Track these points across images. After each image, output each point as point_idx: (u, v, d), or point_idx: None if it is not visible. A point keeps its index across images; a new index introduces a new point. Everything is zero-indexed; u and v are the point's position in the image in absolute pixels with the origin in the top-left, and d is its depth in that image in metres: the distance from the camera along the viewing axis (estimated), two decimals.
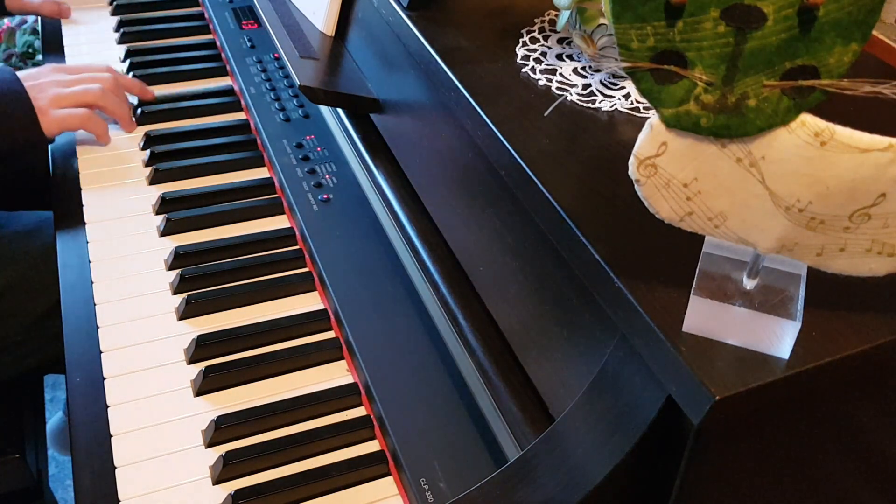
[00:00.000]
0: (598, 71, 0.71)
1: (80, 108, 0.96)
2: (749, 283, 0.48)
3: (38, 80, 0.96)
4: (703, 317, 0.47)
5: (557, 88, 0.68)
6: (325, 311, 0.81)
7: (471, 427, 0.67)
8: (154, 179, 0.96)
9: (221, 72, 1.16)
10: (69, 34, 1.22)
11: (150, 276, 0.84)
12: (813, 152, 0.42)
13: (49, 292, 0.94)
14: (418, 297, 0.78)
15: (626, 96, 0.68)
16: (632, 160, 0.45)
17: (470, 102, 0.65)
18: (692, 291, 0.47)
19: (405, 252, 0.80)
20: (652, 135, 0.44)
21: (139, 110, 1.06)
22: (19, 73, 0.96)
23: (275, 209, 0.93)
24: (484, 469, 0.64)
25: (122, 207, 0.93)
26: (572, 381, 0.57)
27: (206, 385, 0.73)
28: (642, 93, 0.44)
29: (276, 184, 0.96)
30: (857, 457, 0.58)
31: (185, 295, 0.81)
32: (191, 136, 1.03)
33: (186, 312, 0.80)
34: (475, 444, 0.66)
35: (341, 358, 0.77)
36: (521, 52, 0.72)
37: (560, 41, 0.74)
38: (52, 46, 1.20)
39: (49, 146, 1.01)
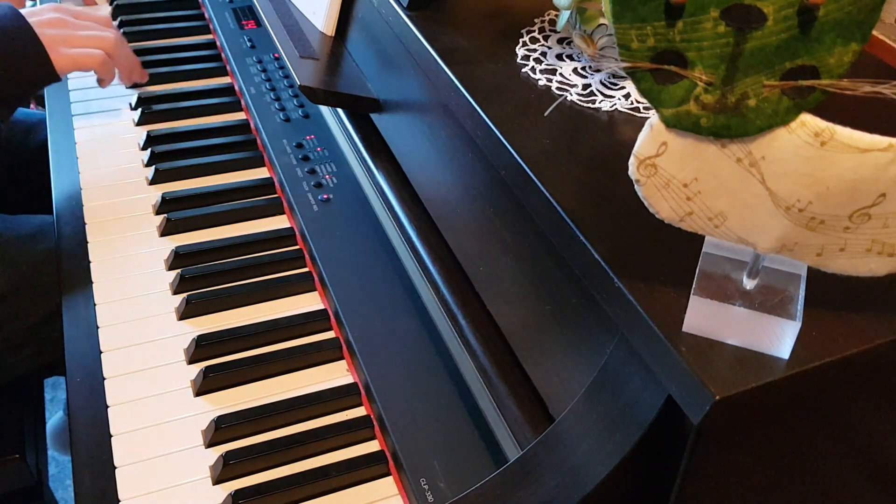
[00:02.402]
0: (598, 71, 0.71)
1: (94, 50, 0.96)
2: (749, 283, 0.48)
3: (42, 17, 0.94)
4: (703, 317, 0.47)
5: (557, 88, 0.68)
6: (325, 311, 0.81)
7: (471, 427, 0.67)
8: (154, 179, 0.96)
9: (221, 72, 1.16)
10: None
11: (150, 276, 0.84)
12: (813, 152, 0.42)
13: (50, 296, 0.94)
14: (418, 297, 0.78)
15: (626, 96, 0.68)
16: (632, 160, 0.45)
17: (470, 102, 0.65)
18: (692, 291, 0.47)
19: (405, 252, 0.80)
20: (652, 135, 0.44)
21: (139, 110, 1.06)
22: (24, 11, 0.94)
23: (275, 209, 0.93)
24: (484, 469, 0.64)
25: (122, 207, 0.93)
26: (572, 381, 0.57)
27: (206, 385, 0.73)
28: (642, 93, 0.44)
29: (276, 184, 0.96)
30: (857, 456, 0.58)
31: (185, 295, 0.81)
32: (191, 136, 1.03)
33: (186, 312, 0.80)
34: (475, 444, 0.66)
35: (341, 358, 0.77)
36: (521, 52, 0.72)
37: (560, 41, 0.74)
38: None
39: (49, 147, 1.01)
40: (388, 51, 0.84)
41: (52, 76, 0.92)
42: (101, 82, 1.00)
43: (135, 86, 1.08)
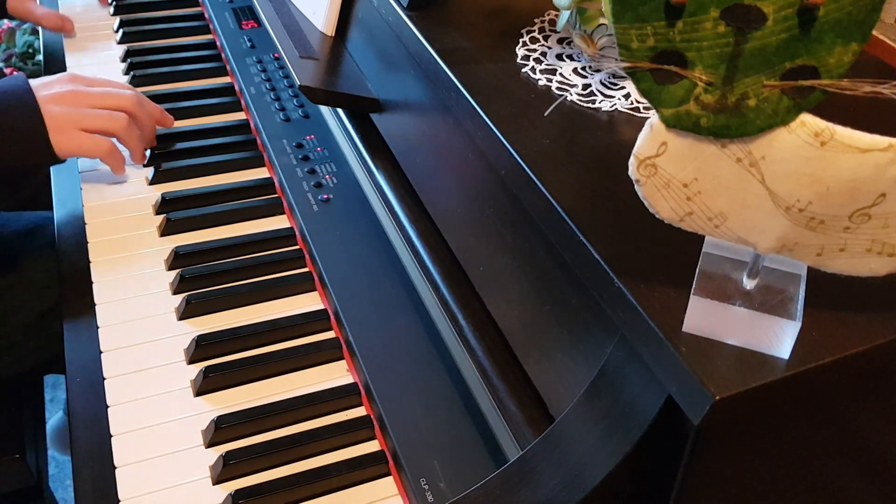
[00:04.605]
0: (598, 71, 0.71)
1: (101, 137, 0.89)
2: (749, 283, 0.48)
3: (52, 91, 0.88)
4: (703, 317, 0.47)
5: (557, 88, 0.68)
6: (325, 311, 0.81)
7: (471, 427, 0.67)
8: (154, 179, 0.96)
9: (221, 72, 1.16)
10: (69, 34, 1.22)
11: (150, 276, 0.84)
12: (813, 152, 0.42)
13: (49, 292, 0.94)
14: (418, 297, 0.78)
15: (626, 96, 0.68)
16: (632, 160, 0.45)
17: (470, 102, 0.65)
18: (692, 291, 0.47)
19: (405, 252, 0.80)
20: (652, 135, 0.44)
21: None
22: (33, 82, 0.88)
23: (275, 209, 0.93)
24: (484, 469, 0.64)
25: (122, 207, 0.93)
26: (572, 381, 0.57)
27: (206, 385, 0.73)
28: (642, 93, 0.44)
29: (276, 184, 0.96)
30: (857, 456, 0.58)
31: (185, 295, 0.81)
32: (191, 136, 1.03)
33: (186, 312, 0.80)
34: (475, 444, 0.66)
35: (341, 358, 0.77)
36: (521, 52, 0.72)
37: (560, 41, 0.74)
38: (52, 46, 1.20)
39: None
40: (388, 51, 0.84)
41: (52, 159, 0.87)
42: (113, 169, 0.93)
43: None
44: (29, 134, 0.85)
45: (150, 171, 0.97)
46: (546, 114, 0.64)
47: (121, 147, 0.94)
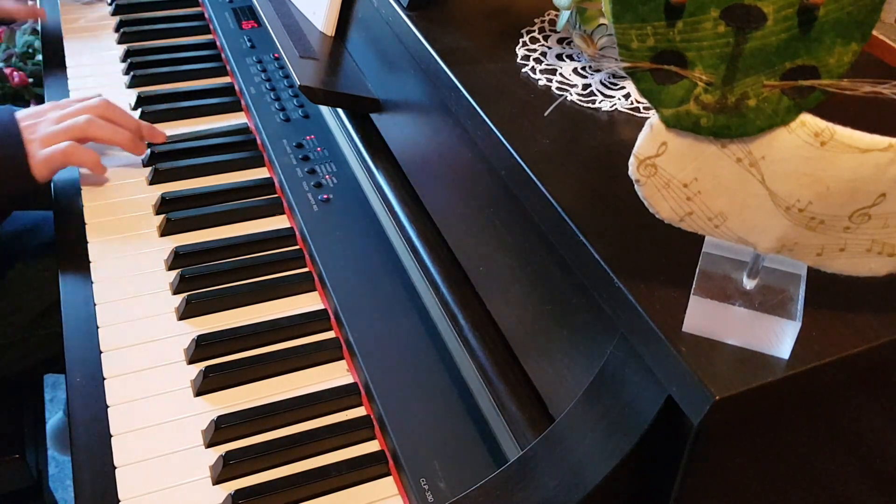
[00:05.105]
0: (598, 71, 0.71)
1: (62, 143, 0.89)
2: (749, 283, 0.48)
3: (35, 121, 0.90)
4: (703, 317, 0.47)
5: (557, 88, 0.68)
6: (325, 311, 0.81)
7: (471, 427, 0.67)
8: (154, 179, 0.96)
9: (221, 72, 1.16)
10: (69, 34, 1.22)
11: (150, 276, 0.84)
12: (813, 152, 0.42)
13: (48, 290, 0.94)
14: (418, 297, 0.78)
15: (626, 96, 0.68)
16: (632, 160, 0.45)
17: (470, 102, 0.65)
18: (692, 291, 0.47)
19: (405, 252, 0.80)
20: (652, 135, 0.44)
21: (139, 110, 1.06)
22: (19, 114, 0.90)
23: (275, 209, 0.93)
24: (484, 469, 0.64)
25: (122, 207, 0.93)
26: (572, 381, 0.57)
27: (206, 385, 0.73)
28: (642, 93, 0.44)
29: (276, 184, 0.96)
30: (857, 456, 0.58)
31: (185, 295, 0.81)
32: (191, 137, 1.03)
33: (186, 312, 0.80)
34: (475, 444, 0.66)
35: (341, 358, 0.77)
36: (521, 52, 0.72)
37: (560, 41, 0.74)
38: (52, 47, 1.20)
39: None
40: (388, 51, 0.84)
41: (34, 185, 0.87)
42: (91, 169, 0.94)
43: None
44: (11, 167, 0.86)
45: (149, 171, 0.97)
46: (546, 114, 0.64)
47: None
